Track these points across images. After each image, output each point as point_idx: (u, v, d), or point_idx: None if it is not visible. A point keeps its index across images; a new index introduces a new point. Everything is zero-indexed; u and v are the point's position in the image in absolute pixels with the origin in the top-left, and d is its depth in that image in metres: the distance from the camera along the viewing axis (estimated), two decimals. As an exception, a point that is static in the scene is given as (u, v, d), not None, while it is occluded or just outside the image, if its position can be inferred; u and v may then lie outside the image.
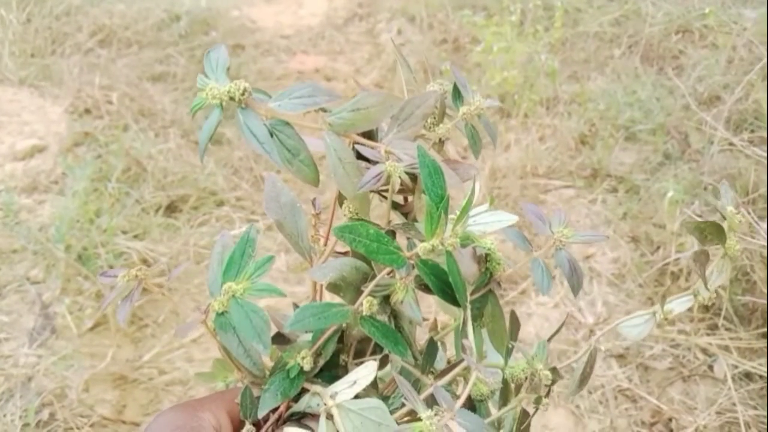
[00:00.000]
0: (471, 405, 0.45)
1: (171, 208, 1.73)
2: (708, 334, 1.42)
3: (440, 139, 0.45)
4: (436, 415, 0.35)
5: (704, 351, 1.41)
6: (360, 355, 0.46)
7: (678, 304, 0.49)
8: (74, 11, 2.64)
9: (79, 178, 1.67)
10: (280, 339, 0.45)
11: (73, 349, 1.37)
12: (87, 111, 2.06)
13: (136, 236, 1.58)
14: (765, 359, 1.35)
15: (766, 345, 1.37)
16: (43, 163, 1.83)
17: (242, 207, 1.82)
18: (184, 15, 2.75)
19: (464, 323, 0.42)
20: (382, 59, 2.62)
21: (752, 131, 1.90)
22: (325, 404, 0.38)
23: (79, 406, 1.28)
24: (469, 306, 0.43)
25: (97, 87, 2.12)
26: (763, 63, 1.91)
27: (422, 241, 0.38)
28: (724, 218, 0.45)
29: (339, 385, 0.40)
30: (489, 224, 0.46)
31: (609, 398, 1.34)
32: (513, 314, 0.47)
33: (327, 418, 0.38)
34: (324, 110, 0.41)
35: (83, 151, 1.86)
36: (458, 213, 0.39)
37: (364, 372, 0.40)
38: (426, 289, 0.41)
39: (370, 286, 0.40)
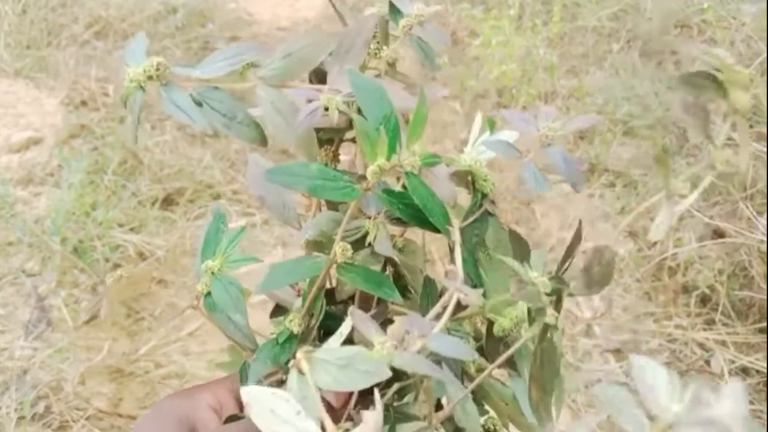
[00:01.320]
0: (494, 343, 0.41)
1: (167, 201, 1.72)
2: (705, 329, 1.43)
3: (389, 63, 0.42)
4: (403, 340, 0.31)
5: (701, 346, 1.41)
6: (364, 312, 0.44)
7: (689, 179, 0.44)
8: (70, 3, 2.62)
9: (75, 170, 1.66)
10: (279, 311, 0.44)
11: (69, 342, 1.36)
12: (83, 103, 2.04)
13: (132, 229, 1.57)
14: (762, 354, 1.35)
15: (765, 340, 1.37)
16: (38, 155, 1.82)
17: (239, 200, 1.81)
18: (181, 7, 2.73)
19: (451, 250, 0.39)
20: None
21: (751, 126, 1.89)
22: (294, 358, 0.35)
23: (75, 399, 1.27)
24: (457, 232, 0.39)
25: (94, 79, 2.11)
26: (761, 58, 1.91)
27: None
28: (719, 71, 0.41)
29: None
30: (490, 147, 0.42)
31: (606, 392, 1.34)
32: (514, 233, 0.42)
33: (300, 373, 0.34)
34: (255, 65, 0.39)
35: (79, 144, 1.85)
36: (409, 128, 0.36)
37: (335, 342, 0.37)
38: (401, 222, 0.39)
39: (340, 230, 0.37)
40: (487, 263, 0.40)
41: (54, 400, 1.26)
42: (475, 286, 0.39)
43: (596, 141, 1.94)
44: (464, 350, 0.32)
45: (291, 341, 0.39)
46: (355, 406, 0.43)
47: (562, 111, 2.07)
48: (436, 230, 0.38)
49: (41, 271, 1.50)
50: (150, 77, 0.36)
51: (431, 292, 0.40)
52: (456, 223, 0.39)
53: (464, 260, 0.39)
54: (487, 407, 0.44)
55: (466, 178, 0.42)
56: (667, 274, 1.53)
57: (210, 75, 0.37)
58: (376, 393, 0.31)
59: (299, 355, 0.32)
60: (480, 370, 0.44)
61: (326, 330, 0.41)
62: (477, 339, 0.43)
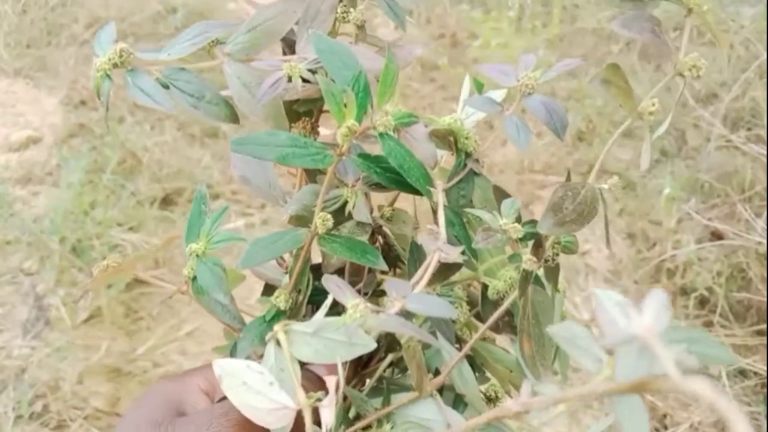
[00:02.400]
0: (490, 306, 0.39)
1: (166, 201, 1.72)
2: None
3: (358, 26, 0.41)
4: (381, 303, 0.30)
5: (699, 347, 1.41)
6: (355, 286, 0.42)
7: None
8: (70, 2, 2.62)
9: (74, 169, 1.66)
10: (268, 291, 0.43)
11: (67, 341, 1.36)
12: (82, 102, 2.04)
13: (131, 228, 1.57)
14: (760, 356, 1.35)
15: (764, 342, 1.37)
16: (37, 155, 1.82)
17: (237, 200, 1.81)
18: (181, 7, 2.74)
19: (434, 211, 0.37)
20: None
21: (749, 129, 1.90)
22: (270, 331, 0.34)
23: (73, 399, 1.27)
24: (441, 190, 0.38)
25: (93, 79, 2.11)
26: (760, 61, 1.92)
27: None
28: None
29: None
30: (473, 105, 0.40)
31: (604, 394, 1.35)
32: (498, 189, 0.40)
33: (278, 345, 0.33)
34: (221, 42, 0.38)
35: (78, 143, 1.85)
36: (379, 87, 0.34)
37: (319, 315, 0.35)
38: (380, 186, 0.38)
39: (318, 201, 0.36)
40: (478, 225, 0.39)
41: (52, 400, 1.26)
42: (463, 249, 0.37)
43: (595, 142, 1.94)
44: (444, 308, 0.30)
45: (279, 318, 0.38)
46: (351, 382, 0.42)
47: (562, 113, 2.08)
48: (418, 192, 0.36)
49: (40, 270, 1.49)
50: (115, 65, 0.36)
51: (419, 258, 0.38)
52: (440, 185, 0.38)
53: (451, 222, 0.38)
54: (489, 375, 0.42)
55: (448, 139, 0.40)
56: (666, 275, 1.53)
57: (175, 56, 0.37)
58: (338, 359, 0.29)
59: (276, 327, 0.31)
60: (483, 338, 0.43)
61: (317, 306, 0.39)
62: (473, 305, 0.42)
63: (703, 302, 1.47)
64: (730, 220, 1.54)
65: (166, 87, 0.36)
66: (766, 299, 1.37)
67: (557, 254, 0.39)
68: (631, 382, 0.19)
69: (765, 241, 1.39)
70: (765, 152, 1.62)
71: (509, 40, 2.17)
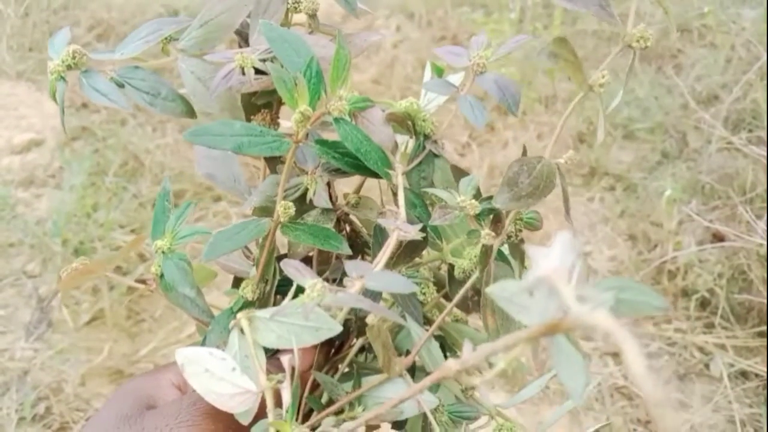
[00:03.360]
0: (457, 286, 0.39)
1: (168, 203, 1.73)
2: (705, 333, 1.43)
3: (309, 15, 0.40)
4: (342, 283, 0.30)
5: (701, 349, 1.41)
6: (323, 274, 0.42)
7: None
8: (72, 5, 2.63)
9: (76, 172, 1.67)
10: (237, 283, 0.43)
11: (70, 343, 1.36)
12: (84, 105, 2.05)
13: (133, 230, 1.58)
14: (761, 357, 1.35)
15: (764, 344, 1.37)
16: (40, 157, 1.83)
17: (239, 202, 1.81)
18: (183, 9, 2.74)
19: (395, 193, 0.37)
20: (380, 56, 2.61)
21: (750, 131, 1.90)
22: (234, 318, 0.33)
23: (76, 400, 1.27)
24: (400, 172, 0.38)
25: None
26: (761, 62, 1.92)
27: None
28: None
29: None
30: (429, 88, 0.40)
31: (605, 396, 1.35)
32: (456, 169, 0.40)
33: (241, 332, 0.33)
34: (174, 39, 0.38)
35: (80, 146, 1.86)
36: (332, 71, 0.34)
37: (285, 302, 0.35)
38: (340, 172, 0.38)
39: (279, 190, 0.36)
40: (439, 204, 0.39)
41: (54, 402, 1.27)
42: (426, 229, 0.37)
43: (596, 144, 1.94)
44: (403, 284, 0.30)
45: (246, 309, 0.37)
46: (323, 368, 0.42)
47: (562, 114, 2.08)
48: (378, 176, 0.36)
49: (42, 272, 1.50)
50: (69, 67, 0.36)
51: (382, 241, 0.38)
52: (399, 167, 0.38)
53: (413, 204, 0.38)
54: (460, 355, 0.43)
55: (406, 122, 0.40)
56: (667, 277, 1.53)
57: (128, 55, 0.37)
58: (294, 342, 0.29)
59: (239, 315, 0.31)
60: (455, 320, 0.43)
61: (285, 296, 0.39)
62: (442, 286, 0.42)
63: (704, 304, 1.47)
64: (731, 222, 1.54)
65: (121, 86, 0.37)
66: (766, 301, 1.37)
67: (520, 230, 0.39)
68: (544, 324, 0.18)
69: (766, 243, 1.39)
70: (765, 154, 1.62)
71: (510, 42, 2.17)
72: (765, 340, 1.38)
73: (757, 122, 1.89)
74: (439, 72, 0.44)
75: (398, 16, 2.87)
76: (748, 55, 2.16)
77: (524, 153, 0.38)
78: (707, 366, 1.38)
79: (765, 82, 1.98)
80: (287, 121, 0.41)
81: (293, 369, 0.29)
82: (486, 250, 0.36)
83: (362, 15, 0.42)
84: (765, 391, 1.31)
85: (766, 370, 1.31)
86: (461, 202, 0.36)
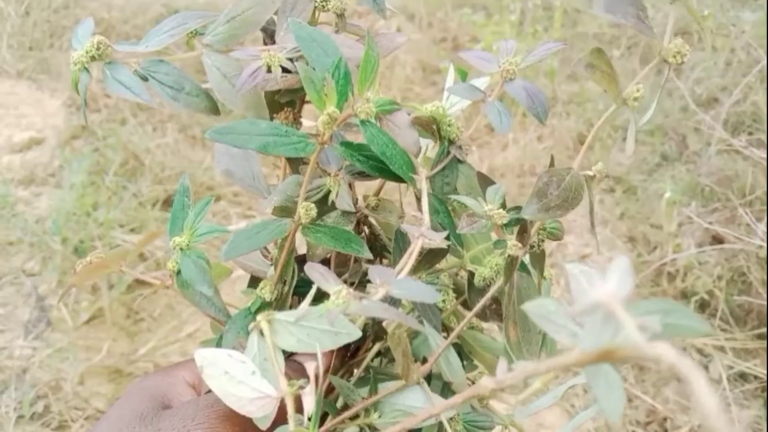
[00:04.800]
0: (477, 294, 0.38)
1: (168, 202, 1.73)
2: (703, 335, 1.43)
3: (337, 14, 0.40)
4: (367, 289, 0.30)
5: (700, 351, 1.41)
6: (341, 276, 0.41)
7: None
8: (73, 4, 2.63)
9: (76, 171, 1.67)
10: (255, 283, 0.43)
11: (69, 342, 1.36)
12: (85, 103, 2.05)
13: (132, 230, 1.58)
14: (760, 360, 1.35)
15: (764, 345, 1.37)
16: (40, 156, 1.83)
17: (239, 202, 1.81)
18: (183, 9, 2.74)
19: (418, 199, 0.37)
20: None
21: (750, 133, 1.90)
22: (254, 321, 0.33)
23: (74, 399, 1.27)
24: (424, 178, 0.37)
25: (95, 80, 2.12)
26: (761, 65, 1.92)
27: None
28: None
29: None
30: (455, 93, 0.40)
31: (604, 397, 1.34)
32: (482, 176, 0.39)
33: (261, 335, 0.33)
34: (200, 33, 0.38)
35: (81, 144, 1.86)
36: (360, 74, 0.33)
37: (304, 304, 0.34)
38: (364, 175, 0.37)
39: (301, 191, 0.35)
40: (462, 211, 0.38)
41: (53, 400, 1.26)
42: (449, 236, 0.37)
43: (596, 146, 1.94)
44: (428, 293, 0.29)
45: (264, 309, 0.37)
46: (339, 371, 0.41)
47: (562, 116, 2.08)
48: (401, 180, 0.36)
49: (41, 271, 1.50)
50: (93, 58, 0.36)
51: (403, 246, 0.37)
52: (423, 172, 0.37)
53: (435, 210, 0.37)
54: (476, 362, 0.42)
55: (431, 126, 0.39)
56: (666, 279, 1.53)
57: (153, 48, 0.36)
58: (317, 347, 0.29)
59: (259, 317, 0.31)
60: (471, 327, 0.43)
61: (303, 297, 0.39)
62: (460, 293, 0.41)
63: (703, 306, 1.47)
64: (731, 224, 1.54)
65: (145, 79, 0.36)
66: (766, 303, 1.37)
67: (542, 240, 0.39)
68: (597, 350, 0.18)
69: (765, 245, 1.39)
70: (765, 156, 1.62)
71: (511, 44, 2.17)
72: (764, 342, 1.38)
73: (756, 125, 1.90)
74: (462, 75, 0.44)
75: (399, 17, 2.88)
76: (747, 57, 2.16)
77: (552, 164, 0.38)
78: (706, 368, 1.38)
79: (765, 84, 1.98)
80: (310, 120, 0.41)
81: (317, 376, 0.29)
82: (511, 261, 0.35)
83: (391, 17, 0.41)
84: (764, 393, 1.31)
85: (766, 372, 1.31)
86: (488, 211, 0.35)
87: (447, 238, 0.36)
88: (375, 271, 0.30)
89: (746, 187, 1.62)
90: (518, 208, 0.36)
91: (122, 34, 2.59)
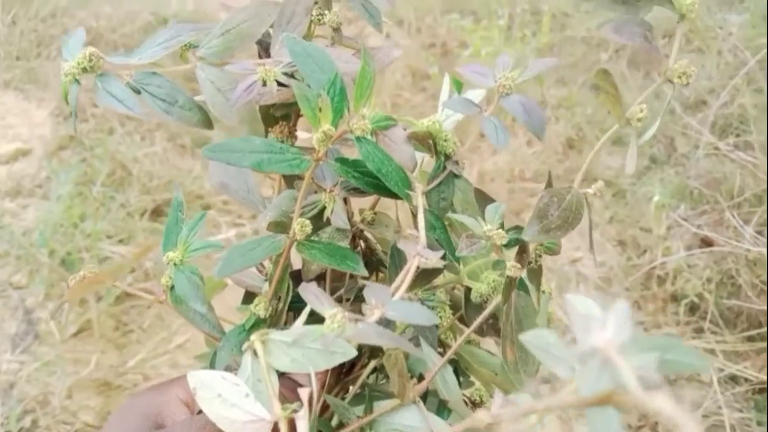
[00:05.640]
0: (473, 310, 0.38)
1: (157, 212, 1.72)
2: (694, 338, 1.43)
3: (333, 28, 0.40)
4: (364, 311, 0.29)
5: (690, 354, 1.41)
6: (336, 291, 0.42)
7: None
8: (60, 13, 2.62)
9: (63, 182, 1.66)
10: (249, 299, 0.43)
11: (56, 355, 1.35)
12: (75, 116, 2.04)
13: (120, 241, 1.57)
14: (750, 362, 1.35)
15: (750, 348, 1.38)
16: (27, 167, 1.81)
17: (228, 211, 1.80)
18: (172, 17, 2.74)
19: (414, 215, 0.37)
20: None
21: (737, 135, 1.91)
22: (248, 340, 0.32)
23: (62, 413, 1.26)
24: (420, 194, 0.37)
25: (83, 90, 2.11)
26: (748, 67, 1.93)
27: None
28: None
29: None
30: (450, 107, 0.39)
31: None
32: (480, 192, 0.39)
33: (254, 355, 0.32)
34: (193, 46, 0.38)
35: (68, 155, 1.85)
36: (355, 90, 0.33)
37: (298, 323, 0.34)
38: (359, 191, 0.37)
39: (296, 207, 0.35)
40: (461, 228, 0.38)
41: (41, 414, 1.25)
42: (445, 253, 0.36)
43: (585, 150, 1.95)
44: (425, 315, 0.29)
45: (258, 326, 0.37)
46: (334, 389, 0.41)
47: (552, 121, 2.09)
48: (397, 197, 0.36)
49: (29, 283, 1.48)
50: (84, 69, 0.36)
51: (399, 263, 0.37)
52: (419, 188, 0.37)
53: (432, 226, 0.37)
54: (473, 379, 0.42)
55: (427, 141, 0.39)
56: (656, 282, 1.54)
57: (147, 60, 0.36)
58: (311, 370, 0.29)
59: (253, 337, 0.31)
60: (468, 342, 0.42)
61: (297, 313, 0.39)
62: (457, 308, 0.41)
63: (693, 309, 1.47)
64: (719, 227, 1.55)
65: (138, 92, 0.36)
66: (756, 306, 1.38)
67: (540, 256, 0.38)
68: (595, 395, 0.18)
69: (754, 248, 1.39)
70: (754, 159, 1.63)
71: (499, 49, 2.18)
72: (754, 344, 1.38)
73: (744, 127, 1.91)
74: (458, 87, 0.43)
75: (388, 22, 2.88)
76: (734, 60, 2.18)
77: (549, 182, 0.38)
78: (697, 372, 1.38)
79: (752, 87, 2.00)
80: (305, 132, 0.41)
81: (310, 398, 0.28)
82: (510, 282, 0.35)
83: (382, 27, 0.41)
84: (755, 396, 1.31)
85: (756, 374, 1.32)
86: (488, 231, 0.35)
87: (444, 255, 0.36)
88: (371, 291, 0.30)
89: (734, 190, 1.63)
90: (517, 228, 0.36)
91: (110, 43, 2.57)
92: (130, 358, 1.39)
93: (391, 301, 0.29)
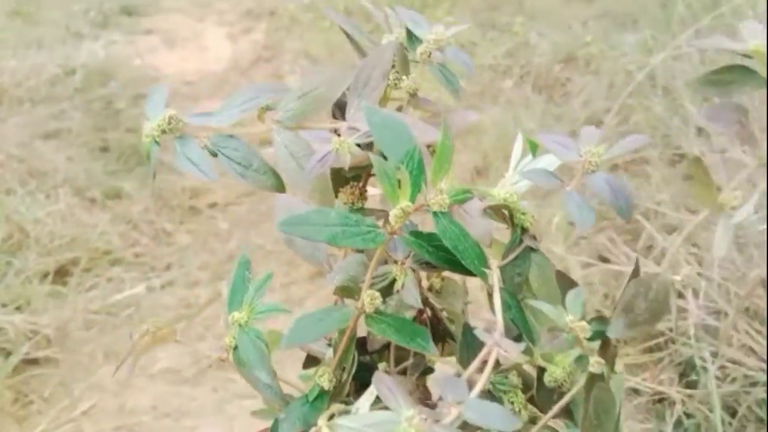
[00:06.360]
0: (546, 393, 0.37)
1: (60, 273, 1.67)
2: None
3: (410, 93, 0.40)
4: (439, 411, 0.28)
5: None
6: (401, 361, 0.41)
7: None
8: (-41, 71, 2.54)
9: (-44, 250, 1.59)
10: (311, 363, 0.42)
11: (-52, 437, 1.28)
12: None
13: (18, 308, 1.51)
14: (649, 373, 1.41)
15: (654, 359, 1.43)
16: None
17: (141, 263, 1.77)
18: (80, 68, 2.70)
19: (490, 294, 0.35)
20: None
21: (635, 152, 2.01)
22: (315, 425, 0.32)
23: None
24: (496, 273, 0.35)
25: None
26: (631, 86, 2.04)
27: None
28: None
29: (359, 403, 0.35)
30: (528, 177, 0.38)
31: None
32: (561, 274, 0.37)
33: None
34: (270, 108, 0.38)
35: (-36, 220, 1.78)
36: (434, 163, 0.33)
37: (365, 403, 0.34)
38: (431, 266, 0.36)
39: (366, 278, 0.35)
40: (537, 311, 0.36)
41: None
42: (519, 334, 0.35)
43: (491, 176, 2.00)
44: (507, 420, 0.28)
45: (322, 398, 0.37)
46: None
47: (459, 150, 2.14)
48: (471, 273, 0.35)
49: None
50: (164, 131, 0.36)
51: (471, 343, 0.36)
52: (494, 264, 0.36)
53: (506, 304, 0.36)
54: None
55: (502, 212, 0.38)
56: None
57: (226, 122, 0.37)
58: None
59: (320, 422, 0.30)
60: (532, 420, 0.40)
61: (361, 382, 0.39)
62: (527, 388, 0.40)
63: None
64: (615, 244, 1.62)
65: (214, 155, 0.36)
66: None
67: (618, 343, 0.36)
68: None
69: (766, 259, 1.46)
70: (767, 161, 1.71)
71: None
72: (654, 355, 1.44)
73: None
74: (533, 148, 0.42)
75: (302, 60, 2.91)
76: (627, 78, 2.29)
77: (636, 271, 0.35)
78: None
79: (644, 104, 2.10)
80: (375, 188, 0.41)
81: None
82: (592, 378, 0.33)
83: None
84: (655, 406, 1.36)
85: (653, 386, 1.37)
86: (571, 323, 0.33)
87: (520, 337, 0.35)
88: (446, 386, 0.29)
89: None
90: (601, 319, 0.34)
91: (15, 98, 2.51)
92: (30, 431, 1.33)
93: (469, 401, 0.28)
